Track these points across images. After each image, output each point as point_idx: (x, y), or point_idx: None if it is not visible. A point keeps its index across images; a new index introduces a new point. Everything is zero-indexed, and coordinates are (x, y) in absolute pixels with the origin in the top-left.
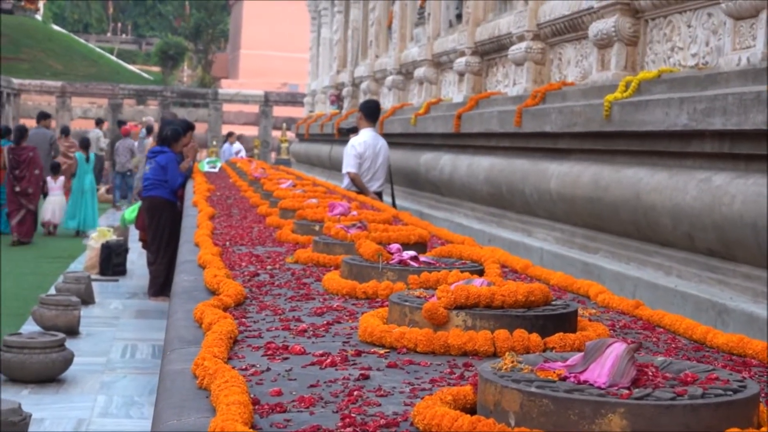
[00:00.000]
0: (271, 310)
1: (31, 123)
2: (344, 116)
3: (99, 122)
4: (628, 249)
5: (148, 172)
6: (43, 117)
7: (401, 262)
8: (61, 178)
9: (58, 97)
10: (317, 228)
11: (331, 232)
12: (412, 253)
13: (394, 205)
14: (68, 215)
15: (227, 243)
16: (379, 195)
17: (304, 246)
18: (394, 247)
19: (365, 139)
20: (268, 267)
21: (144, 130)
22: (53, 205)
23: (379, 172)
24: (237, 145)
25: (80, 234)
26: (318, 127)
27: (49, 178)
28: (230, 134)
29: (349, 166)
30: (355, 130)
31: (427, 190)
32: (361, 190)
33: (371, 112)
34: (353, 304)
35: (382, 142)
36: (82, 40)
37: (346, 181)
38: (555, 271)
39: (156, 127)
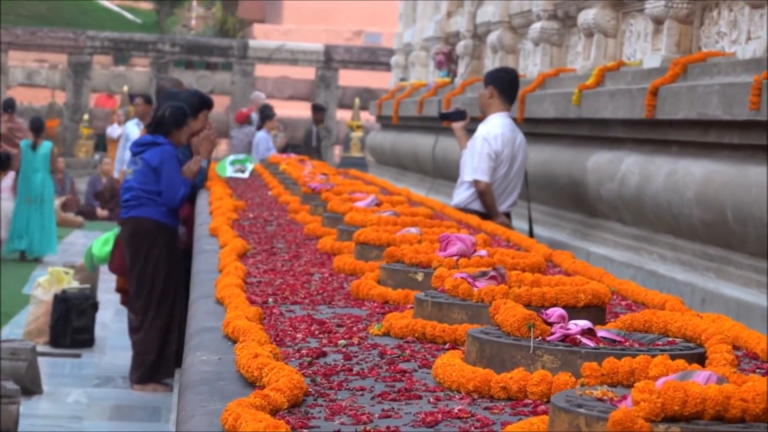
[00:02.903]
0: (350, 416)
1: None
2: (459, 88)
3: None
4: None
5: (131, 178)
6: None
7: (567, 338)
8: (11, 175)
9: None
10: (420, 277)
11: (445, 284)
12: (583, 323)
13: (531, 234)
14: (13, 232)
15: (270, 299)
16: (508, 217)
17: (400, 307)
18: (555, 312)
19: (502, 130)
20: (341, 342)
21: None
22: None
23: (514, 181)
24: None
25: (28, 259)
26: (414, 105)
27: None
28: (266, 112)
29: (478, 171)
30: (461, 116)
31: (596, 215)
32: (489, 209)
33: (509, 86)
34: (487, 408)
35: (521, 138)
36: None
37: (467, 193)
38: None
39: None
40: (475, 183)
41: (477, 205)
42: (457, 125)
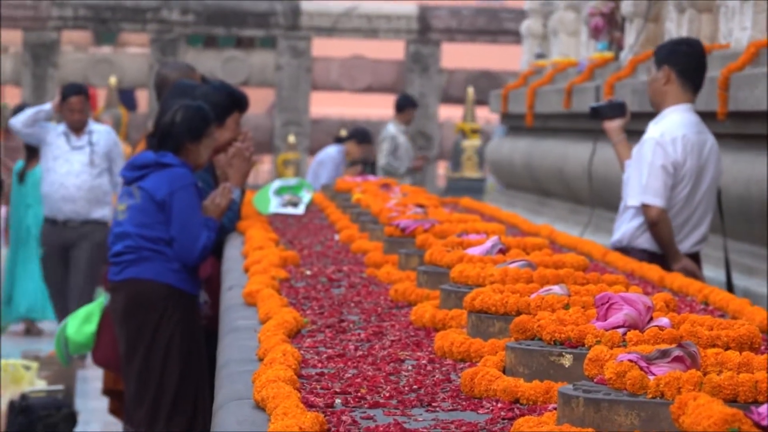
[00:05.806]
0: None
1: None
2: (627, 68)
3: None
4: None
5: (124, 219)
6: None
7: None
8: (3, 211)
9: None
10: (568, 361)
11: (605, 371)
12: None
13: (729, 285)
14: (8, 292)
15: (338, 401)
16: (694, 259)
17: (537, 408)
18: None
19: (684, 131)
20: None
21: None
22: None
23: (703, 207)
24: None
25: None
26: (559, 96)
27: None
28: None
29: (649, 191)
30: (619, 110)
31: None
32: (665, 248)
33: (692, 64)
34: None
35: (712, 141)
36: None
37: (632, 224)
38: None
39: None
40: (645, 209)
41: (646, 242)
42: (612, 125)
